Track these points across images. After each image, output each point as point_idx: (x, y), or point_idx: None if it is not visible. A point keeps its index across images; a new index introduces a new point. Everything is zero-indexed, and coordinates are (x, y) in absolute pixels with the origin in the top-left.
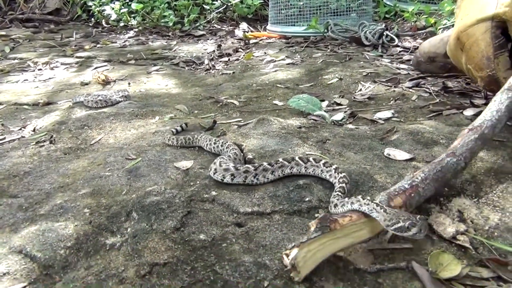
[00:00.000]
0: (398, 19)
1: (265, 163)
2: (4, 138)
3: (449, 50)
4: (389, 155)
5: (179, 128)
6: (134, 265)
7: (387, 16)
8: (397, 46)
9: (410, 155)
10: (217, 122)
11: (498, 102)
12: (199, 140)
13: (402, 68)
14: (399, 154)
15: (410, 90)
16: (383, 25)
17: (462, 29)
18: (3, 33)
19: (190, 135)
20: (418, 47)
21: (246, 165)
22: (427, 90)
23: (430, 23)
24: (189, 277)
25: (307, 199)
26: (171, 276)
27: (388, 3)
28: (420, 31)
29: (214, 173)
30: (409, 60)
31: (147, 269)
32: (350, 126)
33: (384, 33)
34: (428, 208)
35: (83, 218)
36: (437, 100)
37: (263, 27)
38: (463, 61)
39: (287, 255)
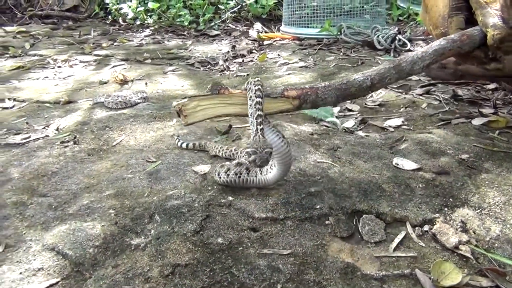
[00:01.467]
0: (411, 22)
1: None
2: (30, 137)
3: (420, 14)
4: (397, 164)
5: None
6: (158, 265)
7: (400, 18)
8: (409, 50)
9: (417, 165)
10: (233, 126)
11: (429, 46)
12: (209, 147)
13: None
14: (407, 164)
15: (421, 97)
16: (396, 29)
17: None
18: (23, 29)
19: (202, 141)
20: None
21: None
22: (437, 97)
23: None
24: (209, 278)
25: (318, 206)
26: (192, 277)
27: (401, 5)
28: None
29: (215, 175)
30: None
31: (170, 269)
32: (361, 133)
33: (397, 38)
34: (433, 218)
35: (108, 218)
36: (447, 108)
37: (277, 27)
38: (427, 22)
39: (177, 101)
